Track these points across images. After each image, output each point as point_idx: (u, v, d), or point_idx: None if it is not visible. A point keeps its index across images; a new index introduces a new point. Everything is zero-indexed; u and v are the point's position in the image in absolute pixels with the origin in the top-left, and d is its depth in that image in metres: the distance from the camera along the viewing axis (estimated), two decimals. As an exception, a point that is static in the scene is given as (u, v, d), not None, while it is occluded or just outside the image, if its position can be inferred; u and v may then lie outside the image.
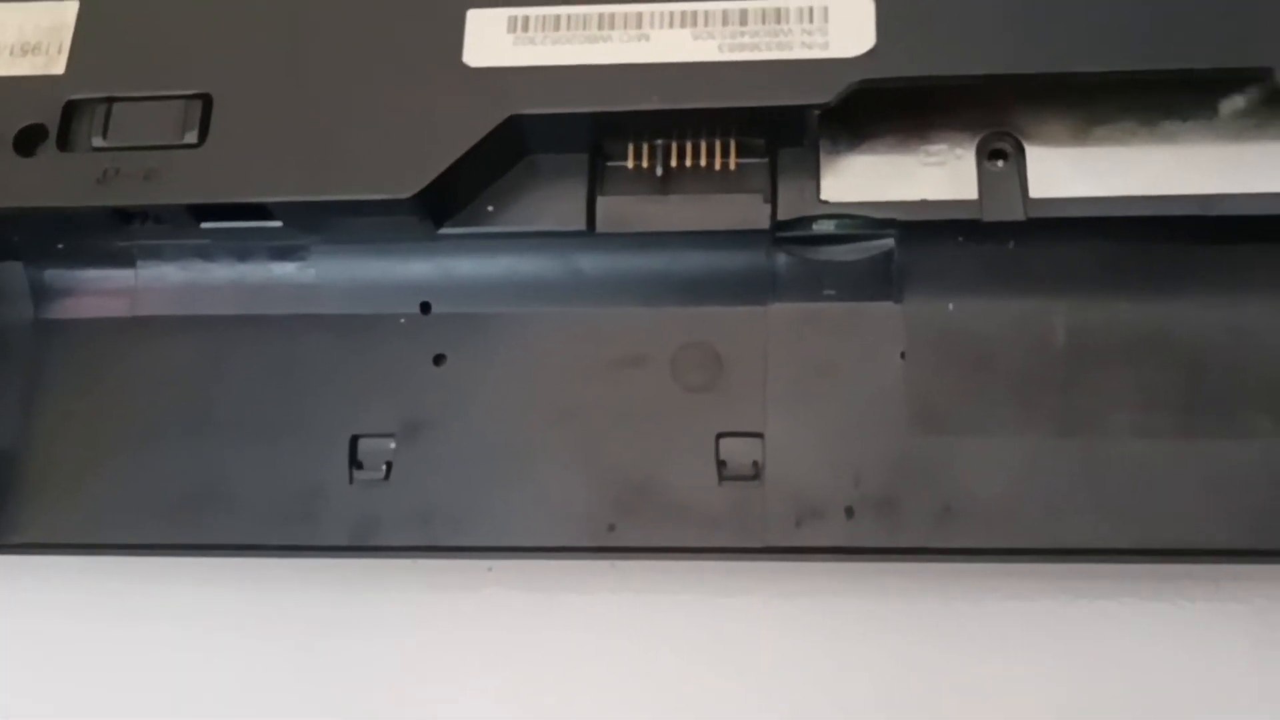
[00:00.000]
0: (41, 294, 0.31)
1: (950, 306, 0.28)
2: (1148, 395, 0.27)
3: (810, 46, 0.27)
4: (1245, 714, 0.27)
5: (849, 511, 0.27)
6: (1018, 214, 0.27)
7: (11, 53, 0.30)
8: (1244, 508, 0.26)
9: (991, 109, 0.28)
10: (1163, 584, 0.28)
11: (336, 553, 0.29)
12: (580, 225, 0.28)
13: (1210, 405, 0.27)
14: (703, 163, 0.28)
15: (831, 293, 0.29)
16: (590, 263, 0.29)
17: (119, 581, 0.30)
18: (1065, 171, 0.28)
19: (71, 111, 0.29)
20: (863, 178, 0.28)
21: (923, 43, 0.27)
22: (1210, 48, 0.26)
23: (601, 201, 0.29)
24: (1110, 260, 0.28)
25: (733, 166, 0.28)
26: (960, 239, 0.28)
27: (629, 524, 0.28)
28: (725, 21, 0.28)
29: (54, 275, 0.31)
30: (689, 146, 0.28)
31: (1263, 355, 0.27)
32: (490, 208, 0.29)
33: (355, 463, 0.29)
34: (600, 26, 0.28)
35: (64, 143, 0.29)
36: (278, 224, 0.29)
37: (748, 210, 0.28)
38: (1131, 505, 0.27)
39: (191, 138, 0.28)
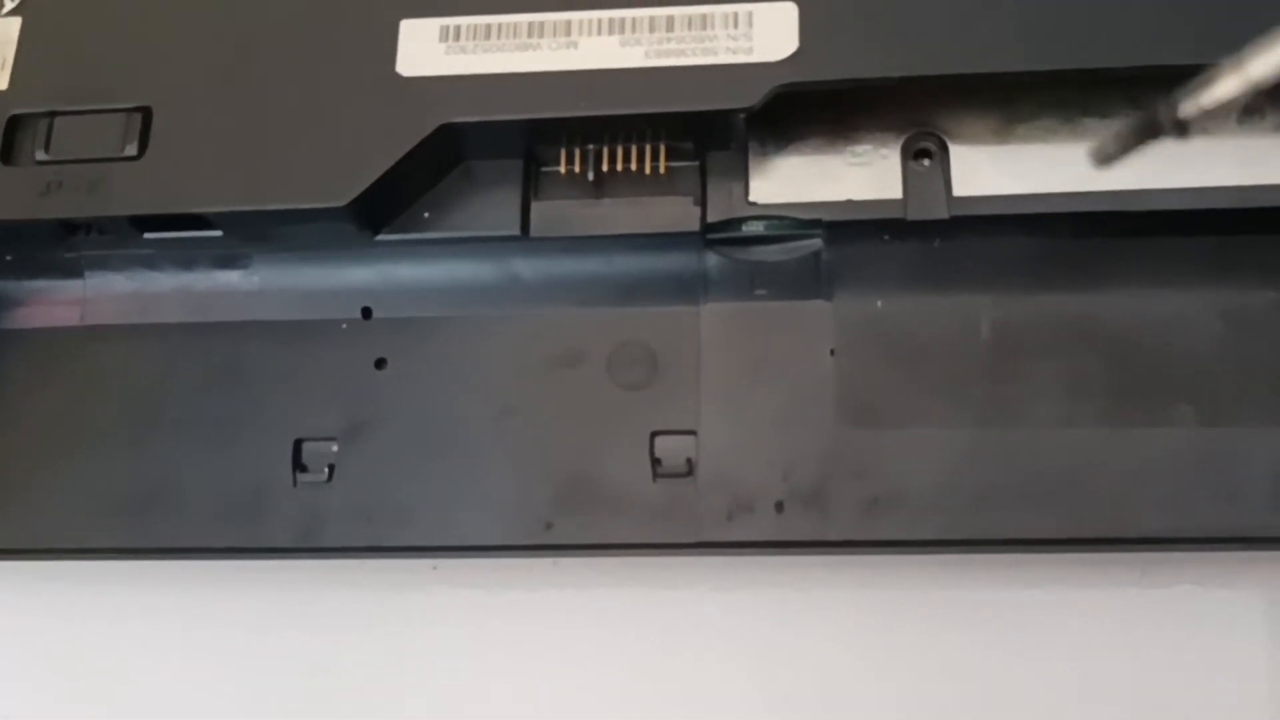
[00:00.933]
0: (-8, 304, 0.32)
1: (879, 303, 0.29)
2: (1072, 387, 0.28)
3: (735, 52, 0.28)
4: (1172, 696, 0.28)
5: (779, 506, 0.28)
6: (941, 213, 0.28)
7: (-44, 69, 0.30)
8: (1168, 495, 0.27)
9: (915, 109, 0.29)
10: (1090, 571, 0.28)
11: (282, 554, 0.29)
12: (515, 230, 0.29)
13: (1133, 395, 0.28)
14: (634, 167, 0.29)
15: (762, 292, 0.29)
16: (526, 266, 0.30)
17: (68, 584, 0.31)
18: (988, 170, 0.29)
19: (15, 126, 0.30)
20: (790, 179, 0.29)
21: (844, 46, 0.28)
22: (1127, 46, 0.27)
23: (536, 206, 0.29)
24: (1034, 255, 0.29)
25: (663, 170, 0.29)
26: (886, 238, 0.29)
27: (567, 521, 0.28)
28: (652, 28, 0.28)
29: (4, 286, 0.31)
30: (620, 151, 0.29)
31: (1183, 345, 0.28)
32: (427, 214, 0.29)
33: (299, 465, 0.29)
34: (530, 35, 0.29)
35: (8, 157, 0.29)
36: (218, 234, 0.29)
37: (678, 213, 0.29)
38: (1058, 495, 0.27)
39: (132, 150, 0.29)
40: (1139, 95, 0.28)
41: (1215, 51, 0.21)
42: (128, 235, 0.30)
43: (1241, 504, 0.27)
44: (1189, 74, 0.23)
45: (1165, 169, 0.28)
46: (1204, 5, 0.27)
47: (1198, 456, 0.27)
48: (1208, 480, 0.27)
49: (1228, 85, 0.21)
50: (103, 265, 0.31)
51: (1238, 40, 0.21)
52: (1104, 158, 0.23)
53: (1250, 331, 0.28)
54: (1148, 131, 0.22)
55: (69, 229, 0.30)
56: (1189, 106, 0.21)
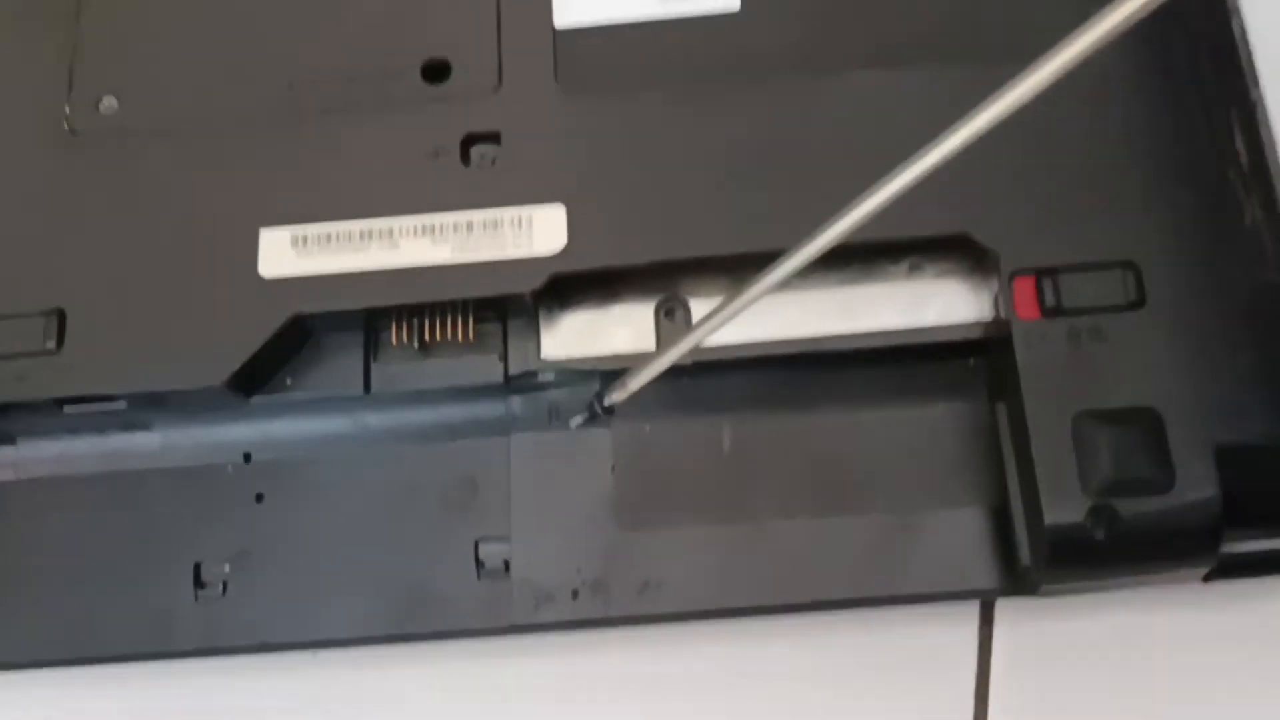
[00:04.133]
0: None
1: (647, 428, 0.37)
2: (789, 487, 0.36)
3: (519, 247, 0.36)
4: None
5: (574, 594, 0.36)
6: (686, 360, 0.36)
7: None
8: (862, 567, 0.36)
9: (662, 279, 0.37)
10: (811, 629, 0.37)
11: (189, 655, 0.37)
12: (359, 389, 0.37)
13: (834, 491, 0.36)
14: (450, 334, 0.36)
15: (557, 423, 0.37)
16: (371, 416, 0.38)
17: (10, 691, 0.38)
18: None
19: (-47, 331, 0.37)
20: (572, 336, 0.37)
21: (601, 239, 0.36)
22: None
23: (375, 368, 0.37)
24: (759, 386, 0.37)
25: (472, 337, 0.36)
26: (647, 379, 0.37)
27: (413, 616, 0.36)
28: (456, 230, 0.36)
29: (-53, 454, 0.39)
30: (438, 323, 0.36)
31: (873, 452, 0.36)
32: (289, 380, 0.37)
33: (199, 583, 0.37)
34: (361, 239, 0.36)
35: (-52, 356, 0.37)
36: (124, 405, 0.36)
37: (487, 367, 0.37)
38: (780, 572, 0.35)
39: (51, 345, 0.36)
40: (830, 260, 0.37)
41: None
42: (52, 410, 0.37)
43: (923, 569, 0.36)
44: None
45: (850, 315, 0.37)
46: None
47: (886, 535, 0.36)
48: (896, 553, 0.36)
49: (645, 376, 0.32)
50: (32, 432, 0.38)
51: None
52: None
53: (920, 437, 0.36)
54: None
55: (3, 409, 0.37)
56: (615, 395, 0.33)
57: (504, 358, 0.37)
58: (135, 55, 0.40)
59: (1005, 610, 0.37)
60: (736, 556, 0.36)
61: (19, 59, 0.40)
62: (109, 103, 0.39)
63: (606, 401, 0.34)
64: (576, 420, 0.36)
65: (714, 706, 0.37)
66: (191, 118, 0.38)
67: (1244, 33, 0.37)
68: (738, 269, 0.36)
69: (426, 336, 0.37)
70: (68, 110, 0.39)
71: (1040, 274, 0.34)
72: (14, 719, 0.38)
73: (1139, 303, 0.34)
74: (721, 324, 0.31)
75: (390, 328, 0.37)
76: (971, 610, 0.37)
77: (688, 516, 0.36)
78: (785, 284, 0.36)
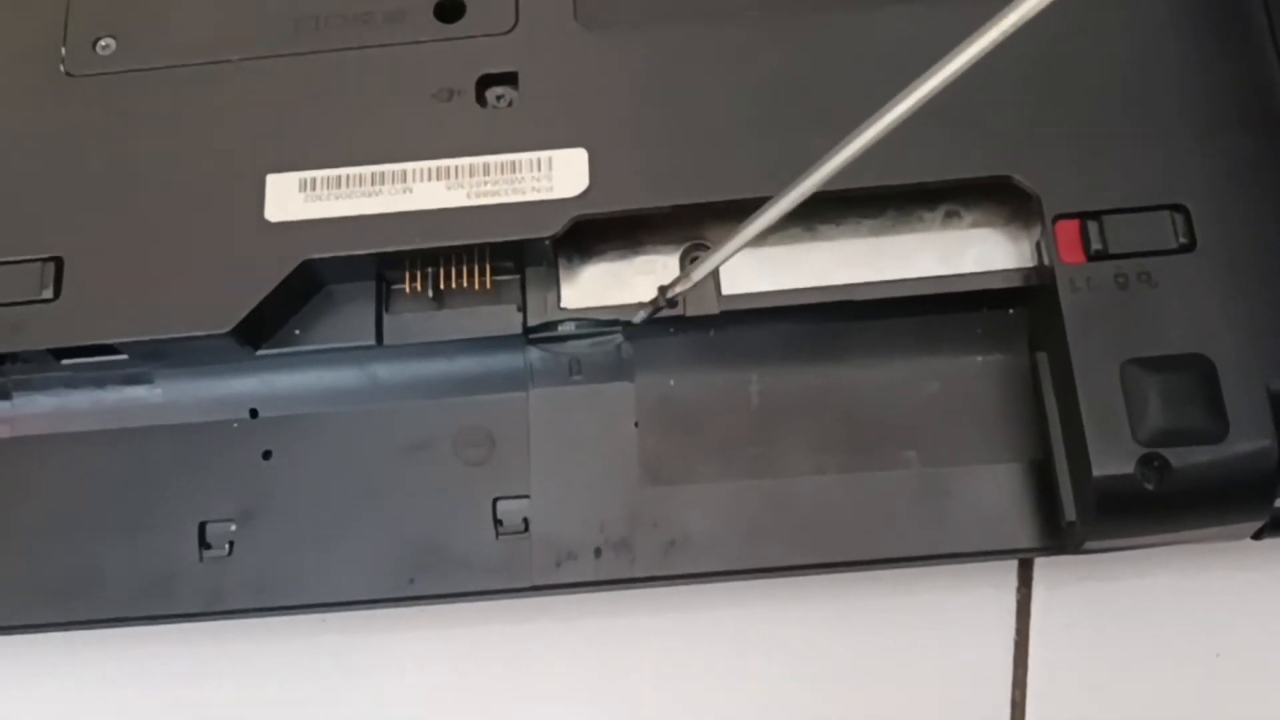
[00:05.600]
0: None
1: (671, 382, 0.36)
2: (820, 441, 0.35)
3: (539, 190, 0.34)
4: (923, 673, 0.35)
5: (597, 552, 0.34)
6: (714, 309, 0.35)
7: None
8: (896, 524, 0.34)
9: (688, 225, 0.36)
10: (843, 589, 0.36)
11: (193, 618, 0.35)
12: (371, 340, 0.35)
13: (867, 446, 0.35)
14: (466, 283, 0.35)
15: (577, 378, 0.36)
16: (383, 369, 0.36)
17: (7, 657, 0.37)
18: (749, 271, 0.35)
19: (-52, 277, 0.35)
20: (593, 286, 0.36)
21: (624, 182, 0.34)
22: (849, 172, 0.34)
23: (388, 319, 0.35)
24: (788, 338, 0.35)
25: (489, 285, 0.35)
26: (672, 330, 0.35)
27: (426, 577, 0.35)
28: (472, 174, 0.35)
29: (-58, 409, 0.37)
30: (454, 271, 0.35)
31: (904, 405, 0.35)
32: (297, 331, 0.35)
33: (204, 544, 0.35)
34: (373, 183, 0.35)
35: (-56, 304, 0.35)
36: (124, 357, 0.35)
37: (505, 318, 0.35)
38: (812, 530, 0.34)
39: (48, 294, 0.34)
40: (863, 207, 0.36)
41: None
42: (48, 363, 0.35)
43: (960, 526, 0.34)
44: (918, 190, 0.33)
45: (885, 263, 0.35)
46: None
47: (917, 492, 0.34)
48: (931, 510, 0.34)
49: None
50: (27, 387, 0.36)
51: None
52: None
53: (957, 390, 0.35)
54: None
55: (-1, 360, 0.36)
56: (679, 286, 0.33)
57: (522, 308, 0.35)
58: (133, -6, 0.38)
59: (1044, 569, 0.36)
60: (765, 514, 0.34)
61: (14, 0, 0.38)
62: (107, 43, 0.37)
63: (670, 293, 0.33)
64: (641, 315, 0.34)
65: (743, 668, 0.36)
66: (192, 58, 0.37)
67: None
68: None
69: (441, 284, 0.35)
70: (64, 52, 0.37)
71: (1085, 217, 0.33)
72: (14, 682, 0.37)
73: (1189, 246, 0.32)
74: (781, 213, 0.30)
75: (404, 277, 0.35)
76: (1010, 569, 0.36)
77: (715, 473, 0.35)
78: (817, 233, 0.36)
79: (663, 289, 0.33)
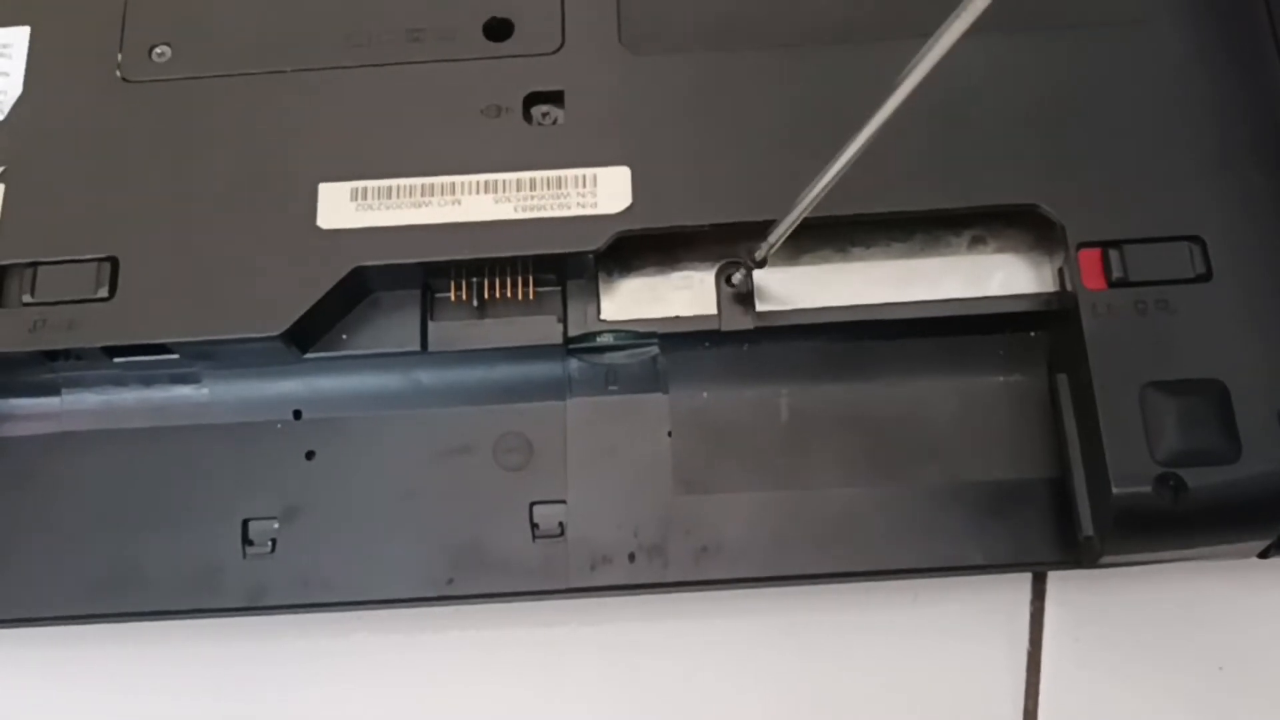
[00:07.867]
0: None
1: (704, 395, 0.37)
2: (847, 456, 0.36)
3: (584, 206, 0.36)
4: (934, 686, 0.37)
5: (631, 557, 0.36)
6: (748, 324, 0.36)
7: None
8: (919, 536, 0.36)
9: (725, 243, 0.37)
10: (862, 599, 0.37)
11: (235, 613, 0.36)
12: (416, 346, 0.36)
13: (891, 460, 0.36)
14: (509, 294, 0.36)
15: (614, 388, 0.37)
16: (426, 375, 0.37)
17: (56, 647, 0.37)
18: (783, 289, 0.37)
19: (4, 275, 0.36)
20: (631, 300, 0.37)
21: (666, 200, 0.36)
22: (878, 197, 0.35)
23: (432, 326, 0.36)
24: (819, 355, 0.37)
25: (532, 296, 0.36)
26: (707, 344, 0.36)
27: (465, 577, 0.36)
28: (519, 188, 0.36)
29: (-4, 404, 0.38)
30: (498, 282, 0.36)
31: (929, 421, 0.36)
32: (344, 336, 0.36)
33: (247, 541, 0.36)
34: (423, 194, 0.36)
35: (1, 300, 0.36)
36: (175, 356, 0.36)
37: (546, 329, 0.36)
38: (836, 540, 0.35)
39: (103, 293, 0.35)
40: (893, 231, 0.37)
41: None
42: (100, 360, 0.36)
43: (980, 540, 0.36)
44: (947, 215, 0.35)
45: (912, 285, 0.37)
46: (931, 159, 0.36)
47: (939, 505, 0.36)
48: (950, 522, 0.36)
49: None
50: (77, 384, 0.37)
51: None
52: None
53: (978, 409, 0.36)
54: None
55: (50, 357, 0.36)
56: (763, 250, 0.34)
57: (563, 319, 0.36)
58: (188, 4, 0.39)
59: (1057, 583, 0.37)
60: (793, 524, 0.36)
61: (72, 7, 0.39)
62: (162, 51, 0.38)
63: (758, 255, 0.34)
64: (739, 275, 0.35)
65: (767, 672, 0.37)
66: (245, 68, 0.38)
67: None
68: (801, 233, 0.36)
69: (485, 294, 0.36)
70: (120, 59, 0.38)
71: (1107, 246, 0.34)
72: (58, 674, 0.37)
73: (1205, 276, 0.34)
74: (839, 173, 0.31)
75: (449, 286, 0.36)
76: (1024, 583, 0.37)
77: (745, 483, 0.36)
78: (848, 255, 0.37)
79: (749, 252, 0.35)
